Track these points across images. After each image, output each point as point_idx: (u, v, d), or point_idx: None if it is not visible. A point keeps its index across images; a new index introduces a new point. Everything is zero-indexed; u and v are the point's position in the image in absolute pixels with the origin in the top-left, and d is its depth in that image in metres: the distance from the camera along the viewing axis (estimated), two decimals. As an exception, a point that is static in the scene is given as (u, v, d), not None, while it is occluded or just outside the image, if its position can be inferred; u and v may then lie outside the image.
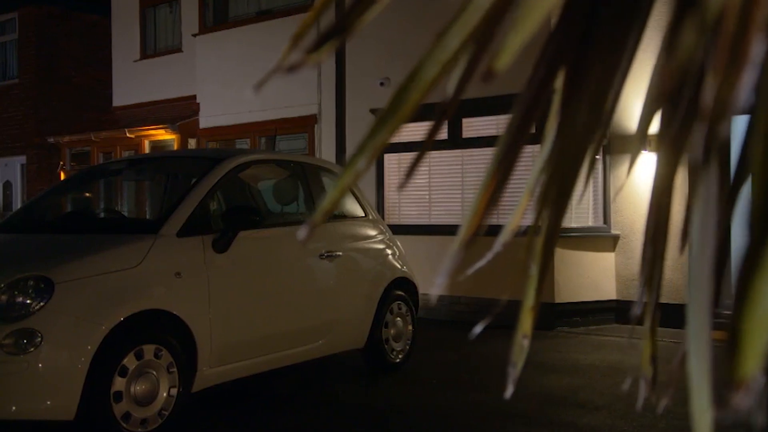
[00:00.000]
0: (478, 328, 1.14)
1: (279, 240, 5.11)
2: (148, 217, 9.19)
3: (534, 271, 0.97)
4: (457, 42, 0.69)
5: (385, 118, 0.69)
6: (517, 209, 1.01)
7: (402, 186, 0.86)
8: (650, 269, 1.01)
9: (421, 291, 6.39)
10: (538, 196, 0.95)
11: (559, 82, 0.88)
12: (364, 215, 5.99)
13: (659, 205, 1.00)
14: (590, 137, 0.92)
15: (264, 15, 11.19)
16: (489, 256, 0.94)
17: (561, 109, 0.90)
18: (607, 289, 8.21)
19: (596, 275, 8.06)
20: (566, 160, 0.94)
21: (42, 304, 3.69)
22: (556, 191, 0.96)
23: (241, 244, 4.59)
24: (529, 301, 0.99)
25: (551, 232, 0.95)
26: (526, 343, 0.97)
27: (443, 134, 8.90)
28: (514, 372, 0.95)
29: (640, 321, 1.01)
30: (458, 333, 7.91)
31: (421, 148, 0.75)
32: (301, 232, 0.65)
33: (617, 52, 0.89)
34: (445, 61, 0.69)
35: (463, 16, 0.71)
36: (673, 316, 7.63)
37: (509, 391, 1.02)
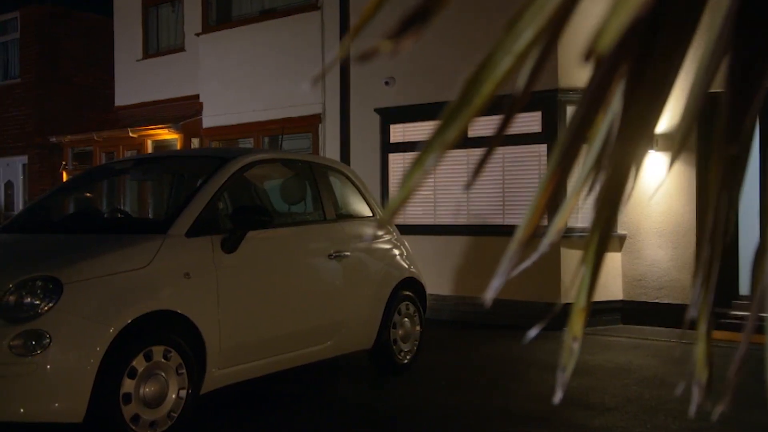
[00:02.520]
0: (533, 332, 1.10)
1: (287, 240, 5.06)
2: (155, 217, 9.14)
3: (587, 272, 0.94)
4: (531, 32, 0.65)
5: (455, 113, 0.64)
6: (565, 209, 0.97)
7: (469, 185, 0.82)
8: (708, 270, 0.97)
9: (427, 291, 6.35)
10: (599, 196, 0.91)
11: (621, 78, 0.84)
12: (371, 215, 5.94)
13: (715, 205, 0.97)
14: (646, 134, 0.89)
15: (267, 14, 11.15)
16: (535, 256, 0.90)
17: (624, 105, 0.86)
18: (613, 290, 8.17)
19: (603, 275, 7.95)
20: (626, 158, 0.90)
21: (50, 305, 3.64)
22: (615, 191, 0.92)
23: (250, 244, 4.55)
24: (581, 302, 0.96)
25: (605, 233, 0.92)
26: (576, 346, 0.93)
27: (448, 134, 8.85)
28: (564, 376, 0.91)
29: (692, 325, 0.97)
30: (464, 333, 7.87)
31: (484, 143, 0.71)
32: (369, 231, 0.61)
33: (680, 48, 0.85)
34: (519, 51, 0.65)
35: (535, 3, 0.67)
36: (677, 316, 7.51)
37: (558, 396, 0.98)
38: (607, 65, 0.81)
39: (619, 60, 0.82)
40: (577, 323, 0.97)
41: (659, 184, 7.74)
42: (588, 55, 0.65)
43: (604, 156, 0.89)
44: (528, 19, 0.65)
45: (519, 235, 0.88)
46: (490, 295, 0.88)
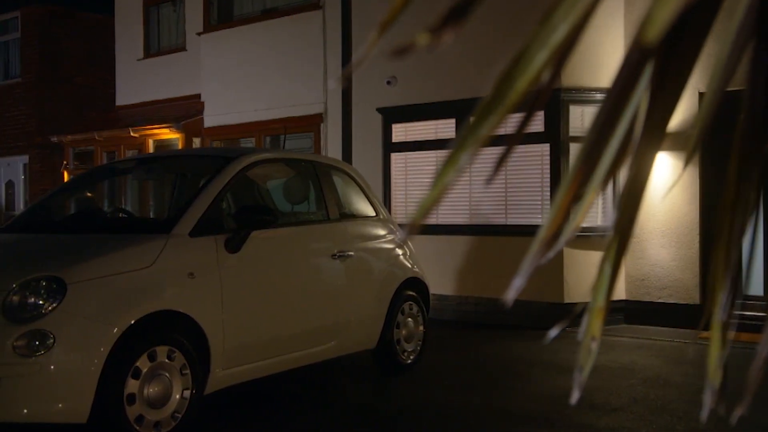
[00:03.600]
0: (553, 332, 1.08)
1: (291, 240, 5.05)
2: (158, 216, 9.13)
3: (607, 270, 0.92)
4: (568, 25, 0.63)
5: (488, 109, 0.63)
6: (583, 207, 0.95)
7: (489, 181, 0.80)
8: (736, 272, 0.95)
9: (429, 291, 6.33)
10: (623, 195, 0.90)
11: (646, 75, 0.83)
12: (375, 215, 5.93)
13: (734, 204, 0.95)
14: (665, 132, 0.88)
15: (269, 13, 11.13)
16: (551, 254, 0.89)
17: (650, 103, 0.85)
18: (616, 290, 8.14)
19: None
20: (649, 156, 0.89)
21: (54, 305, 3.63)
22: (637, 189, 0.91)
23: (253, 244, 4.53)
24: (599, 301, 0.94)
25: (627, 232, 0.91)
26: (594, 346, 0.92)
27: (450, 133, 8.84)
28: (581, 377, 0.90)
29: (706, 326, 0.96)
30: (466, 333, 7.85)
31: (505, 142, 0.69)
32: (402, 233, 0.59)
33: (701, 40, 0.84)
34: (555, 45, 0.63)
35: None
36: (680, 315, 7.50)
37: (575, 397, 0.96)
38: (634, 61, 0.80)
39: (647, 56, 0.80)
40: (595, 323, 0.95)
41: (673, 183, 7.73)
42: (635, 46, 0.63)
43: (624, 154, 0.87)
44: (563, 11, 0.64)
45: (542, 235, 0.86)
46: (511, 295, 0.86)
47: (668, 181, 7.55)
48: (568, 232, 0.91)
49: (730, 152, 0.94)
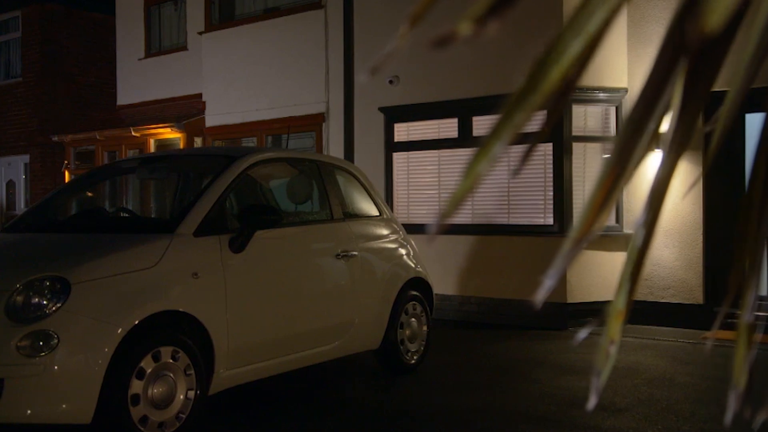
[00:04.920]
0: (582, 334, 1.07)
1: (295, 239, 5.03)
2: (162, 216, 9.10)
3: (628, 272, 0.91)
4: (605, 11, 0.61)
5: (522, 98, 0.61)
6: (607, 206, 0.93)
7: (516, 173, 0.78)
8: (757, 272, 0.94)
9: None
10: (653, 194, 0.88)
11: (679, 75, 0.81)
12: (378, 214, 5.91)
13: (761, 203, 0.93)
14: (695, 131, 0.87)
15: (271, 12, 11.11)
16: (572, 254, 0.87)
17: (683, 100, 0.83)
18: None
19: (608, 275, 7.98)
20: (680, 152, 0.88)
21: (58, 305, 3.60)
22: (664, 186, 0.90)
23: (257, 243, 4.51)
24: (620, 303, 0.93)
25: (651, 230, 0.89)
26: (613, 349, 0.90)
27: (453, 132, 8.82)
28: (599, 381, 0.88)
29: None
30: (468, 333, 7.83)
31: (528, 140, 0.67)
32: (432, 227, 0.58)
33: (730, 41, 0.82)
34: (592, 32, 0.61)
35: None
36: (684, 315, 7.47)
37: (592, 402, 0.94)
38: (670, 55, 0.78)
39: (677, 56, 0.79)
40: (614, 326, 0.93)
41: (693, 183, 7.71)
42: (695, 36, 0.61)
43: (647, 153, 0.86)
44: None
45: (575, 234, 0.85)
46: (541, 296, 0.84)
47: (679, 181, 7.52)
48: (594, 231, 0.90)
49: (759, 150, 0.93)
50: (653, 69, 0.79)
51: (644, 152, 0.85)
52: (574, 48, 0.60)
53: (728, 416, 0.92)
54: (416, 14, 0.65)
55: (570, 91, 0.71)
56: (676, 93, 0.83)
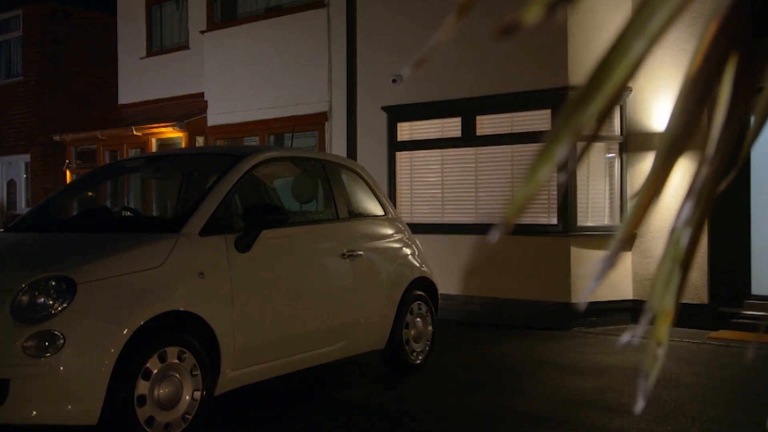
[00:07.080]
0: (625, 338, 1.04)
1: (300, 239, 5.00)
2: (166, 215, 9.08)
3: (676, 272, 0.88)
4: (667, 10, 0.59)
5: (584, 99, 0.58)
6: (637, 207, 0.91)
7: (571, 172, 0.76)
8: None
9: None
10: (700, 191, 0.86)
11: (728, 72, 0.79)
12: (384, 214, 5.88)
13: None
14: (745, 126, 0.85)
15: (273, 11, 11.08)
16: (611, 255, 0.85)
17: (731, 98, 0.81)
18: (623, 289, 8.10)
19: (613, 275, 7.95)
20: (730, 148, 0.86)
21: (64, 305, 3.58)
22: (715, 183, 0.88)
23: (263, 243, 4.48)
24: (667, 304, 0.90)
25: (699, 228, 0.87)
26: (660, 352, 0.87)
27: (456, 132, 8.79)
28: (646, 384, 0.85)
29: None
30: (473, 333, 7.81)
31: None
32: (494, 233, 0.55)
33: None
34: (654, 32, 0.59)
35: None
36: (689, 315, 7.43)
37: (640, 406, 0.92)
38: (721, 48, 0.76)
39: (731, 44, 0.76)
40: (662, 328, 0.91)
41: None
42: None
43: (706, 147, 0.84)
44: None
45: (621, 234, 0.83)
46: (584, 297, 0.81)
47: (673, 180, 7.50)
48: (641, 231, 0.88)
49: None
50: (702, 63, 0.77)
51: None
52: (637, 49, 0.57)
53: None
54: (464, 5, 0.63)
55: (624, 91, 0.69)
56: (724, 88, 0.81)
